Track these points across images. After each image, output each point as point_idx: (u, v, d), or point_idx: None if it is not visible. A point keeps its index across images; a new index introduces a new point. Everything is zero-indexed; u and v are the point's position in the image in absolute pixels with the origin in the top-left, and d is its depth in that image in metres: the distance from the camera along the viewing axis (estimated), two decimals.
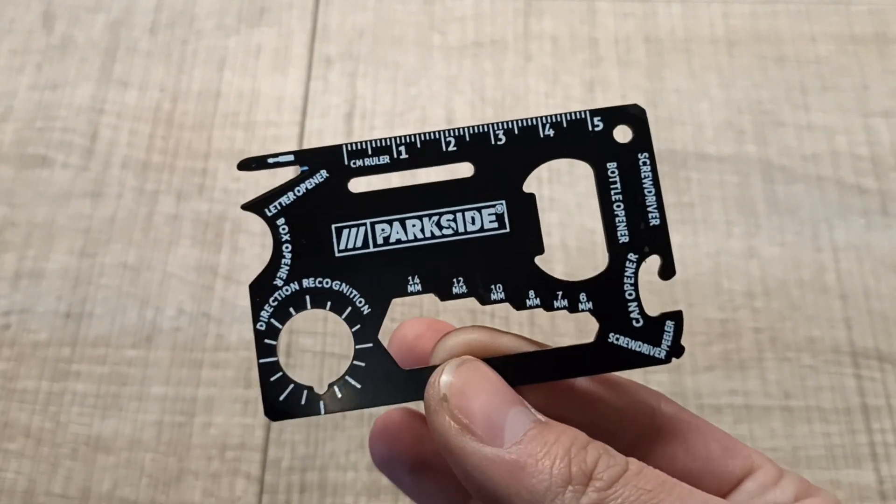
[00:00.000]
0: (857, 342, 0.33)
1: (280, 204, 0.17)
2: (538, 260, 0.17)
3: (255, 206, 0.17)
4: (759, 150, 0.37)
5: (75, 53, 0.40)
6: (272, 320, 0.17)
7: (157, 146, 0.37)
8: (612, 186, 0.17)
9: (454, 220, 0.17)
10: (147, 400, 0.33)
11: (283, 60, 0.39)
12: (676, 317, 0.17)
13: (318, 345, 0.33)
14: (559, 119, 0.17)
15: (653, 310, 0.18)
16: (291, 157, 0.17)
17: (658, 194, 0.17)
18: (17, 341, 0.34)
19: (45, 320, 0.34)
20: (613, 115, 0.17)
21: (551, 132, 0.17)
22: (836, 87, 0.38)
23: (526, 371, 0.17)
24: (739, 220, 0.35)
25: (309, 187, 0.17)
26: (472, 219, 0.17)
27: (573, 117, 0.17)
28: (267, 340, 0.17)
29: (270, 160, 0.17)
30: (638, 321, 0.17)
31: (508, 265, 0.17)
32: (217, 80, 0.39)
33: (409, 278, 0.17)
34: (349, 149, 0.17)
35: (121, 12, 0.41)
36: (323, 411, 0.17)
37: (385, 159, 0.17)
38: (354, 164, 0.17)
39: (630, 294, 0.17)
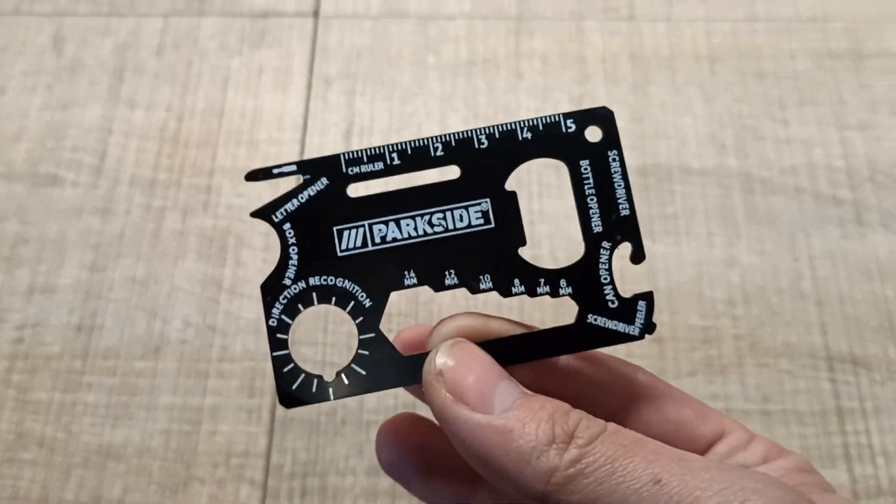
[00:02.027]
0: (833, 347, 0.34)
1: (286, 210, 0.19)
2: (521, 251, 0.19)
3: (263, 212, 0.19)
4: (739, 163, 0.38)
5: (84, 75, 0.41)
6: (283, 316, 0.19)
7: (164, 164, 0.39)
8: (585, 182, 0.19)
9: (444, 218, 0.19)
10: (155, 409, 0.34)
11: (284, 80, 0.41)
12: (647, 297, 0.19)
13: (319, 354, 0.35)
14: (536, 123, 0.19)
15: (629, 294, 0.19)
16: (294, 168, 0.19)
17: (627, 187, 0.19)
18: (31, 354, 0.35)
19: (58, 333, 0.36)
20: (584, 117, 0.19)
21: (529, 135, 0.19)
22: (814, 101, 0.40)
23: (514, 351, 0.19)
24: (721, 231, 0.37)
25: (311, 194, 0.19)
26: (461, 216, 0.19)
27: (548, 120, 0.19)
28: (279, 335, 0.19)
29: (275, 171, 0.19)
30: (613, 302, 0.19)
31: (494, 257, 0.19)
32: (221, 100, 0.40)
33: (406, 273, 0.19)
34: (346, 157, 0.19)
35: (128, 35, 0.42)
36: (332, 397, 0.18)
37: (379, 166, 0.19)
38: (352, 171, 0.19)
39: (605, 278, 0.19)
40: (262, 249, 0.37)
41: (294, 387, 0.19)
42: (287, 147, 0.39)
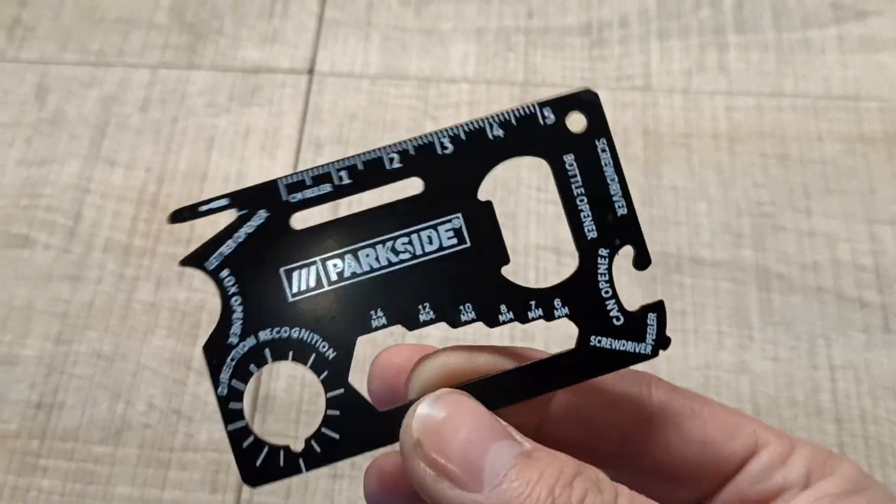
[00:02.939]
0: None
1: (221, 254, 0.16)
2: (504, 271, 0.16)
3: (194, 259, 0.16)
4: (756, 255, 0.35)
5: (65, 128, 0.39)
6: (233, 382, 0.16)
7: (140, 229, 0.37)
8: (571, 180, 0.16)
9: (409, 242, 0.16)
10: (112, 500, 0.32)
11: (272, 142, 0.39)
12: (658, 308, 0.16)
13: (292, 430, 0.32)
14: (507, 117, 0.16)
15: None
16: (226, 202, 0.16)
17: (622, 181, 0.16)
18: None
19: (16, 410, 0.33)
20: (565, 104, 0.16)
21: (500, 132, 0.16)
22: (842, 189, 0.36)
23: (508, 390, 0.16)
24: (732, 331, 0.34)
25: (249, 231, 0.16)
26: (429, 238, 0.16)
27: (522, 113, 0.16)
28: (232, 405, 0.16)
29: (202, 208, 0.16)
30: (618, 319, 0.16)
31: (475, 281, 0.16)
32: (205, 161, 0.38)
33: (372, 312, 0.16)
34: (286, 182, 0.16)
35: (114, 87, 0.40)
36: (304, 469, 0.16)
37: (327, 188, 0.16)
38: (294, 198, 0.16)
39: (606, 291, 0.16)
40: None
41: (258, 463, 0.16)
42: None
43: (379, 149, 0.16)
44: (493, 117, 0.16)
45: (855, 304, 0.34)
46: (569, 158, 0.16)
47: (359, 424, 0.16)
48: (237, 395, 0.16)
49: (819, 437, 0.32)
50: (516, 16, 0.42)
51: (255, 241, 0.16)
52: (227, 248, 0.16)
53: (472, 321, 0.16)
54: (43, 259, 0.36)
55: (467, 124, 0.16)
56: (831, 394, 0.32)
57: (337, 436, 0.16)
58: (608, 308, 0.16)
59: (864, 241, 0.35)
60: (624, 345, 0.16)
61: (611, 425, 0.17)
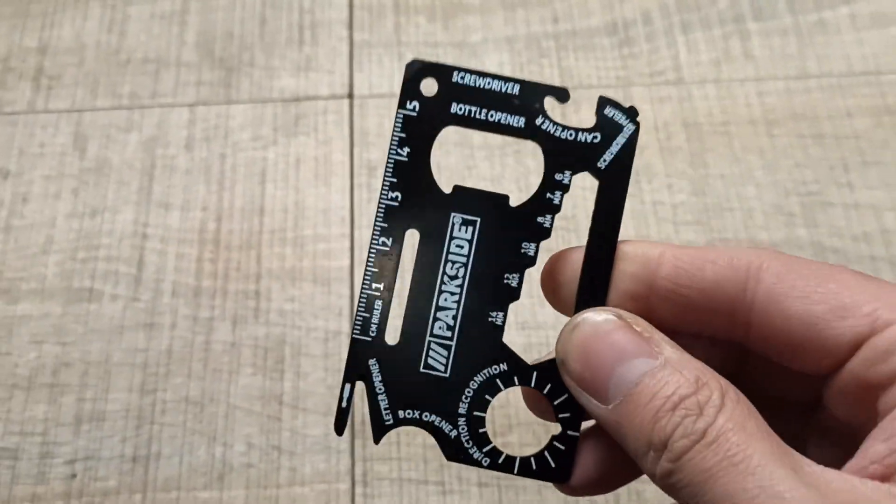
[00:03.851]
0: None
1: None
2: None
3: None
4: (809, 232, 0.37)
5: (111, 175, 0.39)
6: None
7: (206, 270, 0.37)
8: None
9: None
10: None
11: (325, 170, 0.39)
12: (601, 102, 0.19)
13: (395, 471, 0.33)
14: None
15: None
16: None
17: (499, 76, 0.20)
18: (86, 491, 0.33)
19: (113, 466, 0.33)
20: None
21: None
22: (878, 161, 0.38)
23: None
24: None
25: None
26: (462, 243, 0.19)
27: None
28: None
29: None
30: (595, 137, 0.19)
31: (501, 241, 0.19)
32: (260, 195, 0.38)
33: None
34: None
35: (154, 129, 0.40)
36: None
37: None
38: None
39: (567, 133, 0.20)
40: (322, 357, 0.35)
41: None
42: (336, 243, 0.37)
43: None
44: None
45: None
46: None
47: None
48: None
49: None
50: (543, 22, 0.42)
51: None
52: None
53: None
54: (112, 310, 0.36)
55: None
56: None
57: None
58: (579, 138, 0.19)
59: None
60: (618, 142, 0.19)
61: (713, 310, 0.18)
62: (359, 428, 0.34)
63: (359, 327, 0.19)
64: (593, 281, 0.18)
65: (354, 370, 0.19)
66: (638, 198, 0.38)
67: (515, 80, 0.19)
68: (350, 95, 0.41)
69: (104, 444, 0.34)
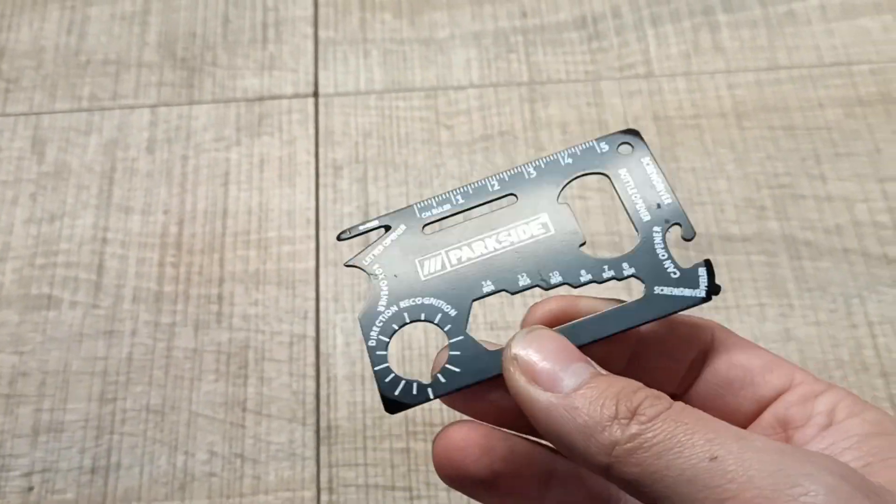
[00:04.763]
0: None
1: (373, 255, 0.22)
2: (581, 248, 0.21)
3: (355, 261, 0.22)
4: (781, 225, 0.36)
5: (70, 179, 0.38)
6: (380, 336, 0.21)
7: (168, 274, 0.36)
8: (627, 185, 0.21)
9: (509, 234, 0.21)
10: None
11: (289, 170, 0.38)
12: (706, 263, 0.20)
13: (361, 477, 0.32)
14: (574, 150, 0.22)
15: None
16: (377, 223, 0.22)
17: (665, 181, 0.21)
18: None
19: (71, 477, 0.32)
20: (614, 139, 0.22)
21: (570, 160, 0.22)
22: (849, 152, 0.38)
23: (590, 331, 0.20)
24: (772, 302, 0.35)
25: (393, 238, 0.22)
26: (524, 230, 0.21)
27: (584, 146, 0.22)
28: (378, 352, 0.21)
29: (360, 228, 0.22)
30: (675, 273, 0.20)
31: (559, 255, 0.21)
32: (223, 197, 0.37)
33: (483, 282, 0.21)
34: (419, 206, 0.22)
35: (114, 131, 0.39)
36: (432, 396, 0.20)
37: (447, 207, 0.22)
38: (424, 215, 0.22)
39: (663, 255, 0.21)
40: (286, 361, 0.34)
41: (396, 393, 0.20)
42: (301, 245, 0.36)
43: (483, 179, 0.22)
44: (563, 151, 0.22)
45: (881, 261, 0.35)
46: (623, 171, 0.21)
47: (474, 361, 0.20)
48: (383, 345, 0.21)
49: (870, 393, 0.33)
50: (511, 16, 0.42)
51: (397, 244, 0.22)
52: (378, 250, 0.21)
53: (560, 284, 0.21)
54: (71, 318, 0.35)
55: (544, 158, 0.22)
56: (874, 349, 0.34)
57: (458, 370, 0.20)
58: (666, 266, 0.20)
59: (879, 199, 0.37)
60: (682, 291, 0.20)
61: (678, 357, 0.21)
62: (324, 434, 0.33)
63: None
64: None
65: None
66: (608, 193, 0.37)
67: None
68: (315, 94, 0.40)
69: (62, 455, 0.33)
